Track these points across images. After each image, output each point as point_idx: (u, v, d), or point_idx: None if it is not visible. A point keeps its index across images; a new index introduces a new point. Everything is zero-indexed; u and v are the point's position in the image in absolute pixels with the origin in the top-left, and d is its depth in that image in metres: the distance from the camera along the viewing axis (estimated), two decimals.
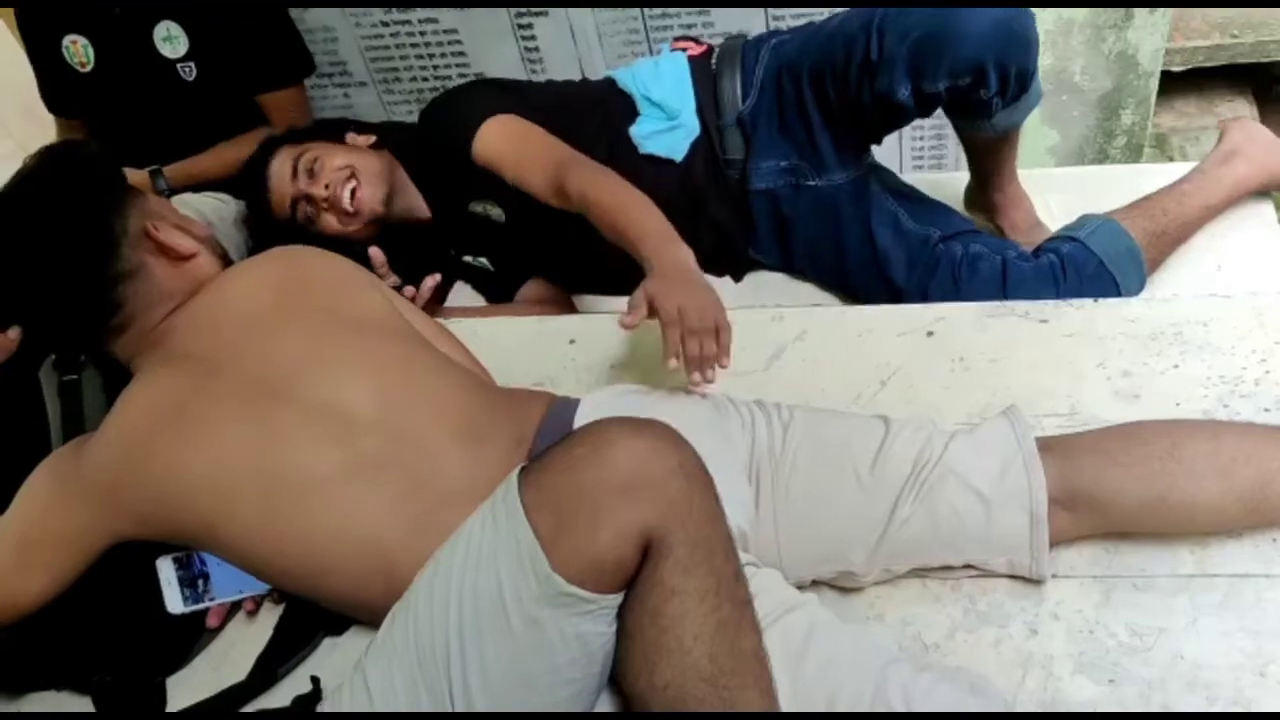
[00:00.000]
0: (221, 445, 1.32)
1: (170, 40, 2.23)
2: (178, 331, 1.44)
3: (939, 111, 1.80)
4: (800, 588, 1.31)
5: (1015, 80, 1.70)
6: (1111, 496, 1.28)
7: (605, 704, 1.17)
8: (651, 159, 1.96)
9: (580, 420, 1.38)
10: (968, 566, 1.32)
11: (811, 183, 1.93)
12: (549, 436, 1.35)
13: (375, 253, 1.89)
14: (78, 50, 2.26)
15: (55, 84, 2.35)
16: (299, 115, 2.35)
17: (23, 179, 1.47)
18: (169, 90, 2.26)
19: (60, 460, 1.40)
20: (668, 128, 1.97)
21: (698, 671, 1.04)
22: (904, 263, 1.87)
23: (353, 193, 1.93)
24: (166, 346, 1.43)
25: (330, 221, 1.95)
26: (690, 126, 1.96)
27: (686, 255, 1.56)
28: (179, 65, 2.25)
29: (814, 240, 1.98)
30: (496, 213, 2.00)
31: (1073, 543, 1.33)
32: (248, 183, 2.05)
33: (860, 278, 1.94)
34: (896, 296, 1.88)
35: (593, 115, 2.00)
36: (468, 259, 2.11)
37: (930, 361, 1.60)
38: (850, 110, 1.83)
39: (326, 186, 1.92)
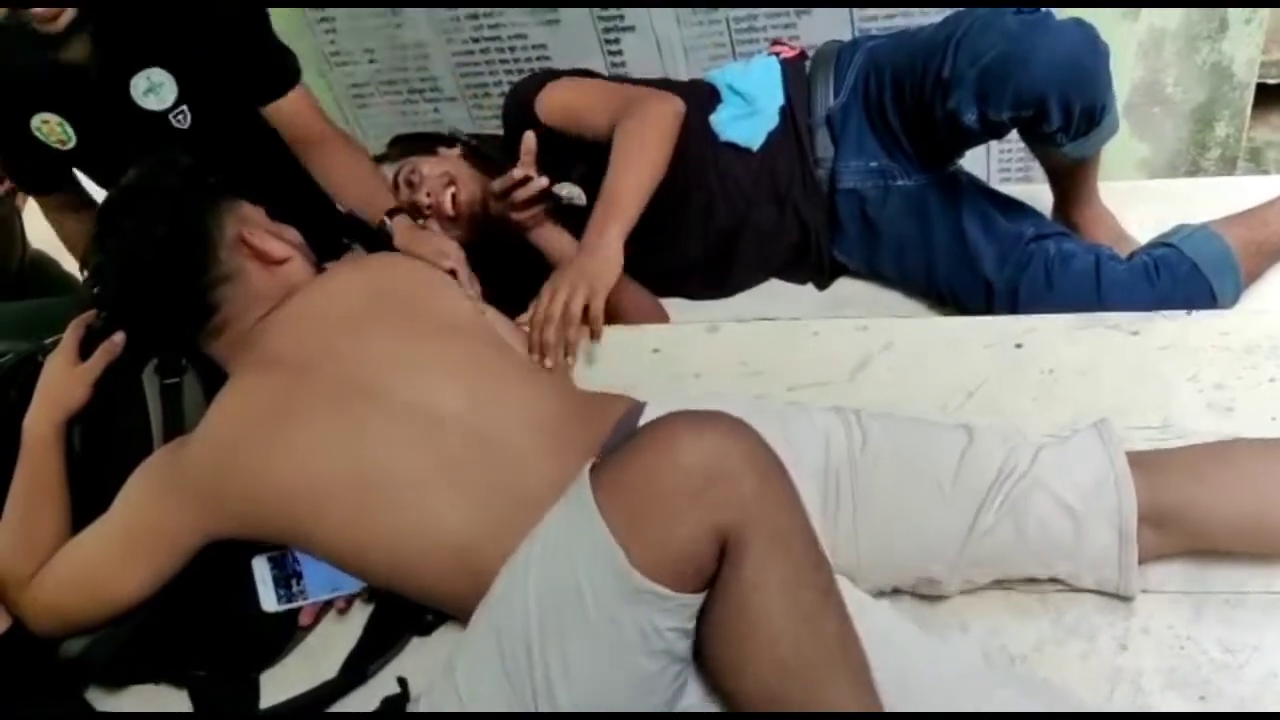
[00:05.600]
0: (313, 446, 1.36)
1: (154, 90, 1.94)
2: (271, 333, 1.49)
3: None
4: (881, 595, 1.31)
5: (1081, 116, 1.69)
6: (1202, 518, 1.26)
7: (694, 696, 1.16)
8: (731, 147, 1.99)
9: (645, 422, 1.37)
10: (1053, 580, 1.30)
11: (900, 182, 1.94)
12: (619, 441, 1.34)
13: (529, 137, 1.91)
14: (52, 129, 1.97)
15: (32, 166, 2.07)
16: (311, 118, 2.08)
17: (125, 188, 1.54)
18: (164, 145, 1.91)
19: (160, 461, 1.45)
20: (746, 113, 2.00)
21: (784, 667, 1.04)
22: (995, 258, 1.85)
23: (453, 197, 2.00)
24: (261, 348, 1.48)
25: (434, 229, 2.00)
26: (769, 114, 1.99)
27: (608, 234, 1.72)
28: (171, 115, 1.97)
29: (901, 240, 1.97)
30: (577, 193, 2.00)
31: (1163, 557, 1.30)
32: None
33: (950, 276, 1.93)
34: (987, 293, 1.86)
35: None
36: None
37: (1018, 373, 1.58)
38: (925, 123, 1.84)
39: (428, 194, 2.00)
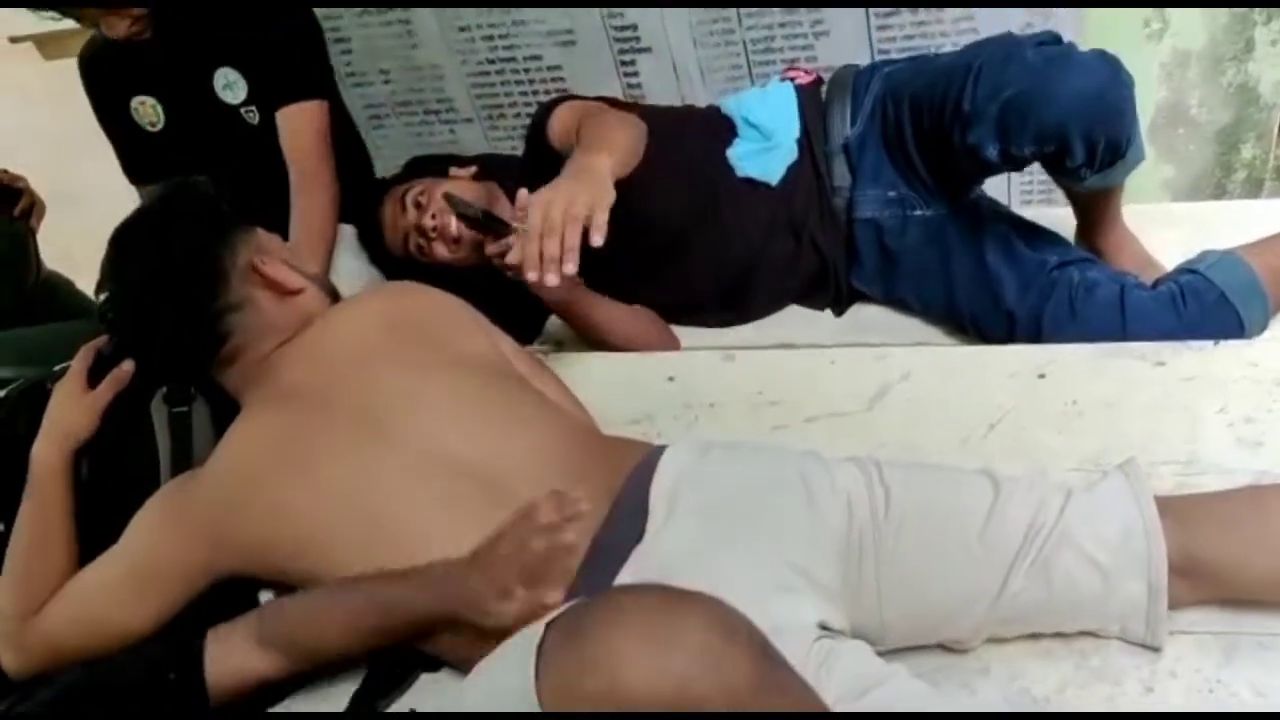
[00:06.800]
0: (323, 485, 1.33)
1: (230, 87, 2.18)
2: (285, 364, 1.47)
3: None
4: (900, 651, 1.27)
5: (1105, 151, 1.66)
6: (1234, 568, 1.22)
7: None
8: (749, 182, 1.97)
9: (656, 490, 1.31)
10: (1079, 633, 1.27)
11: (918, 212, 1.91)
12: (634, 490, 1.33)
13: (523, 195, 1.86)
14: (147, 110, 2.24)
15: (130, 149, 2.32)
16: (310, 137, 2.18)
17: (141, 214, 1.53)
18: (237, 138, 2.21)
19: (169, 495, 1.43)
20: (763, 148, 1.98)
21: None
22: (1018, 287, 1.82)
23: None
24: (274, 379, 1.46)
25: (440, 250, 2.00)
26: (787, 148, 1.97)
27: (596, 160, 1.62)
28: (243, 111, 2.20)
29: (920, 270, 1.95)
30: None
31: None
32: (362, 227, 2.16)
33: (970, 305, 1.90)
34: (1009, 322, 1.83)
35: (691, 136, 2.03)
36: None
37: (1042, 404, 1.55)
38: (944, 152, 1.82)
39: (433, 216, 1.98)
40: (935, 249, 1.91)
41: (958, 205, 1.89)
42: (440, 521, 1.30)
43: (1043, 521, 1.24)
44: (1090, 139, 1.63)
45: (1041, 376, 1.59)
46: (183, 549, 1.37)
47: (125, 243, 1.51)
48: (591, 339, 2.04)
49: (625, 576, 1.22)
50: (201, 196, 1.55)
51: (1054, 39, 1.77)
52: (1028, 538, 1.23)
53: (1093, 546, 1.22)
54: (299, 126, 2.16)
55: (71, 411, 1.51)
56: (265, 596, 1.40)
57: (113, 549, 1.40)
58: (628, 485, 1.34)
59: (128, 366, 1.54)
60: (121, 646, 1.38)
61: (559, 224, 1.48)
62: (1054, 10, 2.16)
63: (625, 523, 1.29)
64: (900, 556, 1.26)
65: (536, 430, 1.41)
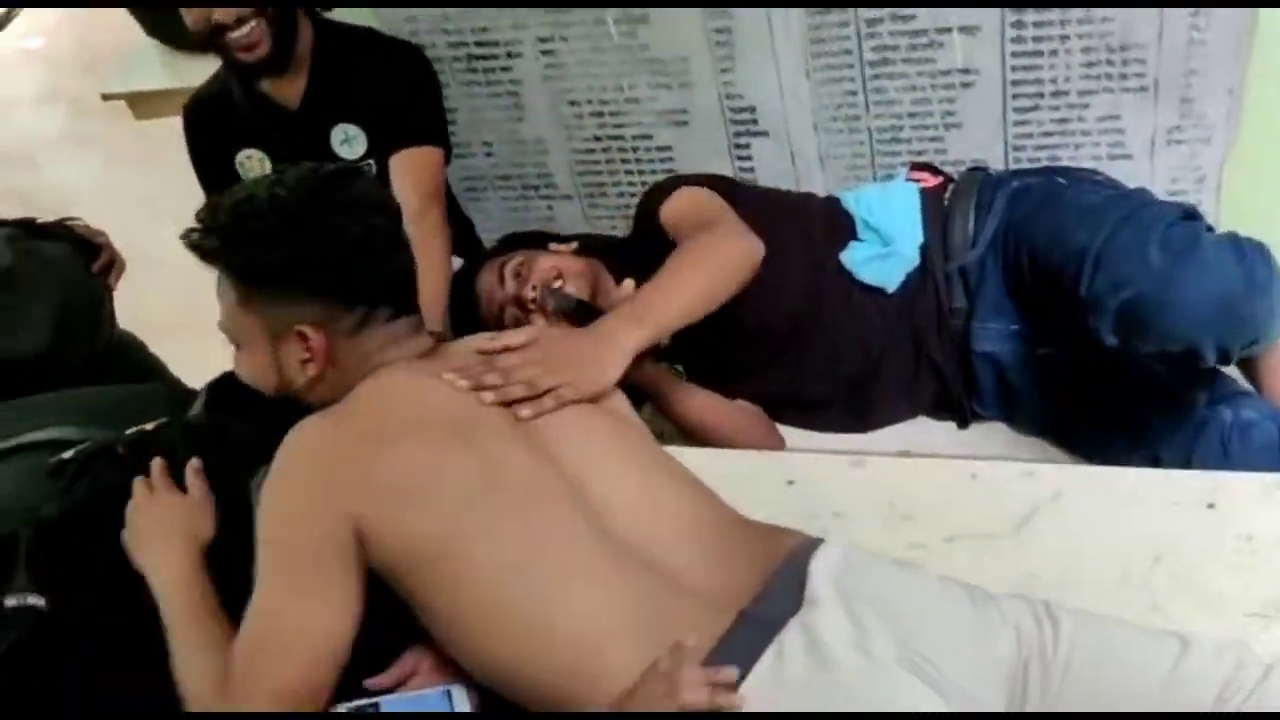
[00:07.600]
0: (488, 473, 1.23)
1: (349, 142, 2.16)
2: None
3: None
4: None
5: (1241, 350, 1.55)
6: None
7: None
8: (865, 286, 1.86)
9: (819, 572, 1.19)
10: None
11: (1043, 350, 1.78)
12: (792, 568, 1.22)
13: (628, 284, 1.84)
14: (254, 164, 2.19)
15: None
16: (429, 179, 2.16)
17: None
18: None
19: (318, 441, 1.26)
20: (881, 255, 1.86)
21: None
22: (1164, 433, 1.67)
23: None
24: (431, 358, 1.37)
25: (540, 324, 1.87)
26: (907, 256, 1.85)
27: (629, 334, 1.49)
28: (360, 165, 2.16)
29: (1046, 411, 1.82)
30: None
31: None
32: (457, 297, 2.05)
33: (1102, 449, 1.75)
34: (1153, 465, 1.67)
35: (807, 229, 1.93)
36: None
37: (1211, 538, 1.40)
38: (1066, 313, 1.67)
39: (534, 289, 1.89)
40: (1063, 390, 1.79)
41: (1087, 343, 1.70)
42: (584, 571, 1.20)
43: (1240, 683, 1.11)
44: (1222, 346, 1.52)
45: (1211, 506, 1.43)
46: (331, 500, 1.21)
47: (351, 184, 1.38)
48: (686, 432, 1.93)
49: (770, 655, 1.12)
50: None
51: (1188, 214, 1.64)
52: (1221, 698, 1.10)
53: None
54: (418, 167, 2.13)
55: (185, 518, 1.39)
56: None
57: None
58: (786, 561, 1.23)
59: (196, 464, 1.44)
60: (332, 648, 1.20)
61: (514, 385, 1.32)
62: (1206, 111, 2.02)
63: (779, 597, 1.19)
64: (1070, 698, 1.15)
65: (689, 492, 1.34)
